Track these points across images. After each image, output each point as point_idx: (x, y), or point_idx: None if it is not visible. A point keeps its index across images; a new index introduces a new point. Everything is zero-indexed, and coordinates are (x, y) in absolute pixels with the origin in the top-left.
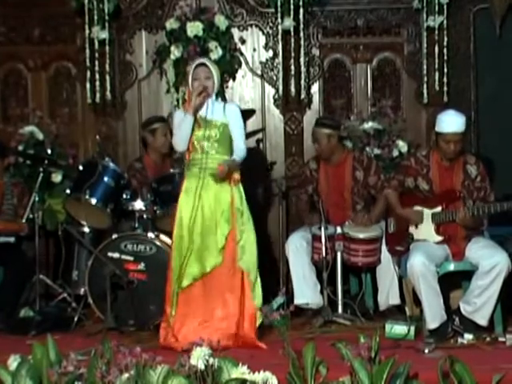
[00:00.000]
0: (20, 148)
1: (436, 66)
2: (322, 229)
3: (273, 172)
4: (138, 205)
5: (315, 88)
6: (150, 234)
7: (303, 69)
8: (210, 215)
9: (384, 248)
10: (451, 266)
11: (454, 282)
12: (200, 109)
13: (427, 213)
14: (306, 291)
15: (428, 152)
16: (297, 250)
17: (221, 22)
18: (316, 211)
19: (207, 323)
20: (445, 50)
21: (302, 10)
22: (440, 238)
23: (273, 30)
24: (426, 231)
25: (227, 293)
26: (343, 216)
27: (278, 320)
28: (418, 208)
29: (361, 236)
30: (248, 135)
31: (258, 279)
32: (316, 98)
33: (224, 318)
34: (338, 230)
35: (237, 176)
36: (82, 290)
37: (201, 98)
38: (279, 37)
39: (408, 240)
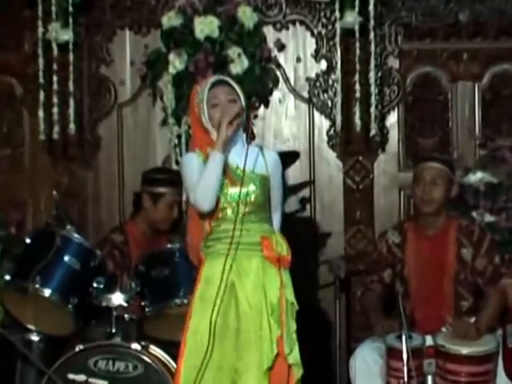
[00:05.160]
0: None
1: None
2: (404, 338)
3: (326, 249)
4: (117, 299)
5: (392, 119)
6: (135, 345)
7: (374, 89)
8: (248, 316)
9: (501, 370)
10: None
11: None
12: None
13: None
14: None
15: None
16: (368, 369)
17: (247, 16)
18: (394, 311)
19: None
20: None
21: (372, 0)
22: None
23: (327, 29)
24: None
25: None
26: (438, 319)
27: None
28: None
29: (464, 352)
30: (288, 192)
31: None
32: (394, 135)
33: None
34: (429, 340)
35: (288, 255)
36: None
37: (233, 128)
38: (337, 40)
39: None
